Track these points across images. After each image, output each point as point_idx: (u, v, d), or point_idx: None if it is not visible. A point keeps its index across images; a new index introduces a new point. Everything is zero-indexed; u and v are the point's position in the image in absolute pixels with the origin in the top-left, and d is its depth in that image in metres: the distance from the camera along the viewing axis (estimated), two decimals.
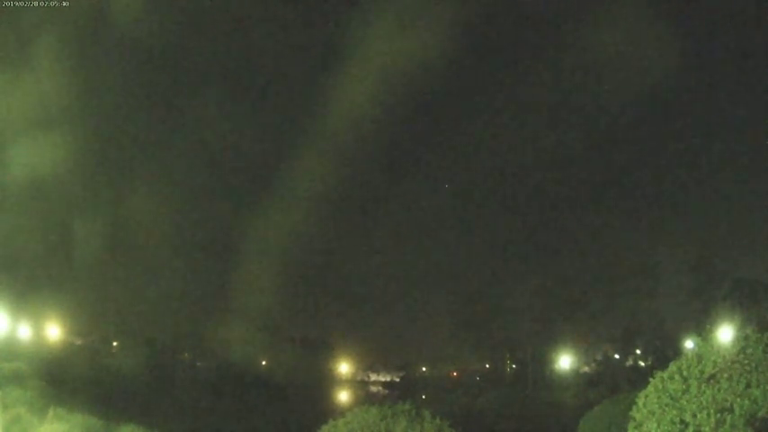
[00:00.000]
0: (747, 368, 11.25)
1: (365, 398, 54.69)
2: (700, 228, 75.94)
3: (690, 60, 73.23)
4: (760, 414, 10.45)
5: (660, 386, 11.80)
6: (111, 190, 58.21)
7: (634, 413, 12.13)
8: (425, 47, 42.22)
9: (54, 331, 55.17)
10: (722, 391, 10.94)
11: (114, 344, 62.73)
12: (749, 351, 11.51)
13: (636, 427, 11.97)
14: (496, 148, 72.90)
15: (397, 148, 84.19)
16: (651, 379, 12.18)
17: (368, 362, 73.24)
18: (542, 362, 64.83)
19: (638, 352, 64.15)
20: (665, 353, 54.26)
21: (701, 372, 11.53)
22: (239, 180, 78.42)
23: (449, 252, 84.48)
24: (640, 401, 12.06)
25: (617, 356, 65.31)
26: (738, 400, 10.67)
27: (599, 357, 65.78)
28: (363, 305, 76.49)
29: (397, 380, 72.27)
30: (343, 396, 63.07)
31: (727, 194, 78.86)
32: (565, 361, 63.63)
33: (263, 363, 64.81)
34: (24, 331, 48.32)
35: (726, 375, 11.27)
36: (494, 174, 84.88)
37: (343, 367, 70.99)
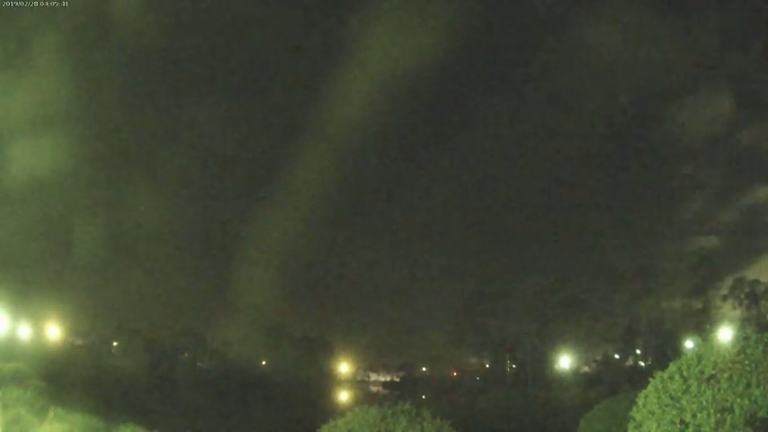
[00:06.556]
0: (747, 368, 11.23)
1: (365, 398, 54.62)
2: (699, 227, 75.80)
3: (689, 59, 73.19)
4: (760, 414, 10.44)
5: (660, 386, 11.79)
6: (111, 190, 58.37)
7: (634, 413, 12.12)
8: (426, 47, 42.30)
9: (54, 331, 55.19)
10: (722, 391, 10.93)
11: (114, 344, 62.75)
12: (749, 351, 11.49)
13: (636, 427, 11.95)
14: (496, 148, 72.93)
15: (396, 148, 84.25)
16: (651, 379, 12.16)
17: (368, 362, 73.19)
18: (542, 362, 64.78)
19: (638, 352, 64.15)
20: (665, 353, 54.20)
21: (701, 372, 11.52)
22: (239, 180, 78.45)
23: (449, 252, 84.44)
24: (640, 401, 12.05)
25: (617, 356, 65.30)
26: (738, 400, 10.65)
27: (599, 357, 65.79)
28: (363, 305, 76.48)
29: (397, 380, 72.17)
30: (343, 396, 63.02)
31: (727, 194, 78.87)
32: (565, 361, 63.56)
33: (263, 363, 64.79)
34: (24, 331, 48.38)
35: (726, 375, 11.26)
36: (493, 174, 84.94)
37: (344, 367, 70.92)
